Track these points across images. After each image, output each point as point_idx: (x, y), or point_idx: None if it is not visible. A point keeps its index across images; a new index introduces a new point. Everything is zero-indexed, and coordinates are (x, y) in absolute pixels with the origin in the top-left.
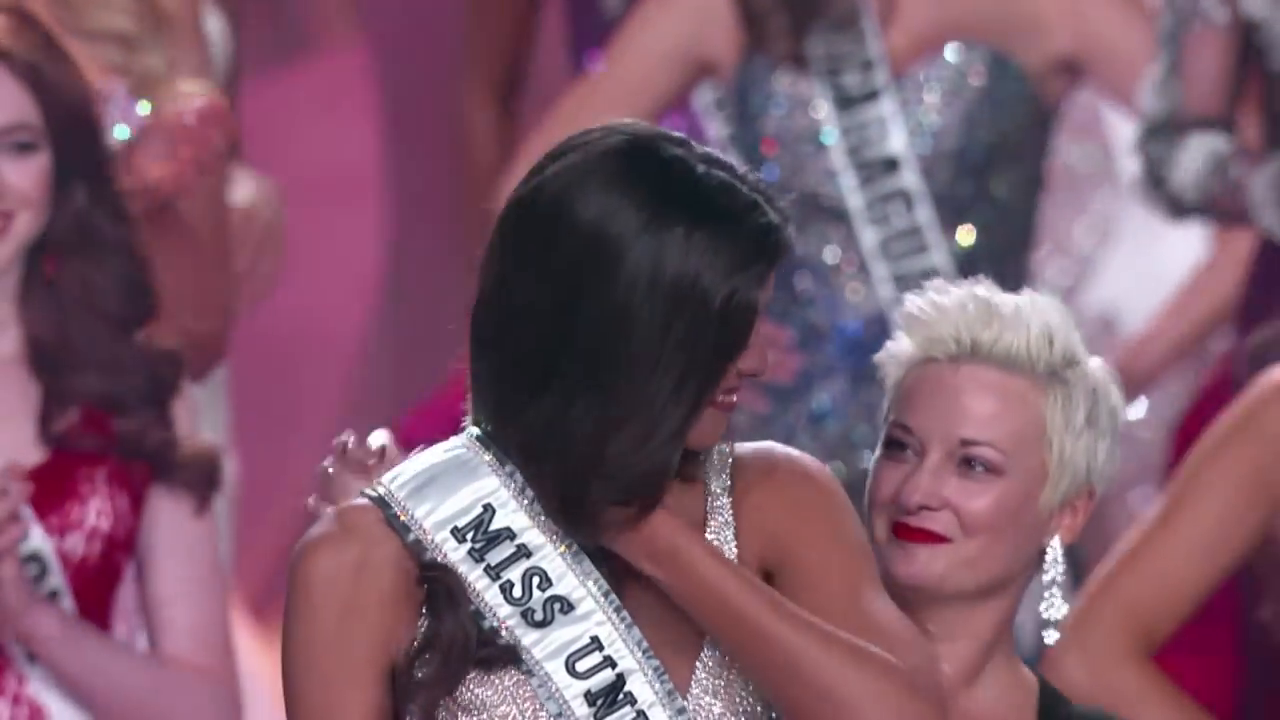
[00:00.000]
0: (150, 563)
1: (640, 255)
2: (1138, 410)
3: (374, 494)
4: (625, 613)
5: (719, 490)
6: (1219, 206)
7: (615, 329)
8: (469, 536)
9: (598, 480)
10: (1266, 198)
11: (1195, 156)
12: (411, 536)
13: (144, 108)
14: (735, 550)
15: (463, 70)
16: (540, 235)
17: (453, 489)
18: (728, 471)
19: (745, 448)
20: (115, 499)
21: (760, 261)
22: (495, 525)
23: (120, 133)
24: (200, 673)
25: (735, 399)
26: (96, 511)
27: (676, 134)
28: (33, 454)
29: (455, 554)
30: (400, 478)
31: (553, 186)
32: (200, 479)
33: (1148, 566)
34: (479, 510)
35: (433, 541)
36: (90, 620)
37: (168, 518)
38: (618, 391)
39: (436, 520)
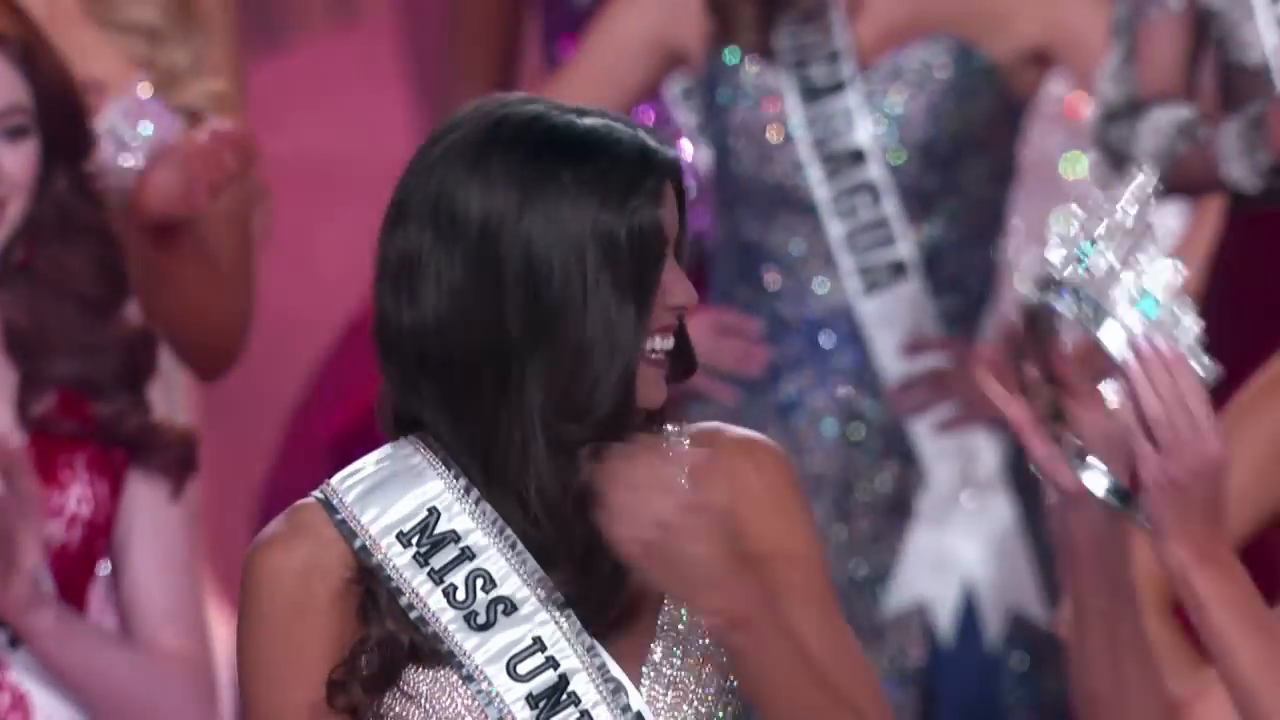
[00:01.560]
0: (127, 546)
1: (534, 220)
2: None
3: (321, 496)
4: (570, 611)
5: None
6: (1185, 174)
7: (541, 300)
8: (414, 541)
9: (568, 426)
10: (1234, 149)
11: (1161, 124)
12: (358, 542)
13: (145, 90)
14: None
15: (458, 72)
16: (434, 239)
17: (399, 494)
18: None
19: (695, 428)
20: (95, 485)
21: (650, 176)
22: (440, 529)
23: (145, 129)
24: (177, 657)
25: (666, 352)
26: (77, 498)
27: (540, 97)
28: (11, 439)
29: (401, 559)
30: (348, 480)
31: (426, 188)
32: (177, 462)
33: None
34: (424, 514)
35: (379, 547)
36: (68, 605)
37: (145, 502)
38: (563, 352)
39: (382, 526)
